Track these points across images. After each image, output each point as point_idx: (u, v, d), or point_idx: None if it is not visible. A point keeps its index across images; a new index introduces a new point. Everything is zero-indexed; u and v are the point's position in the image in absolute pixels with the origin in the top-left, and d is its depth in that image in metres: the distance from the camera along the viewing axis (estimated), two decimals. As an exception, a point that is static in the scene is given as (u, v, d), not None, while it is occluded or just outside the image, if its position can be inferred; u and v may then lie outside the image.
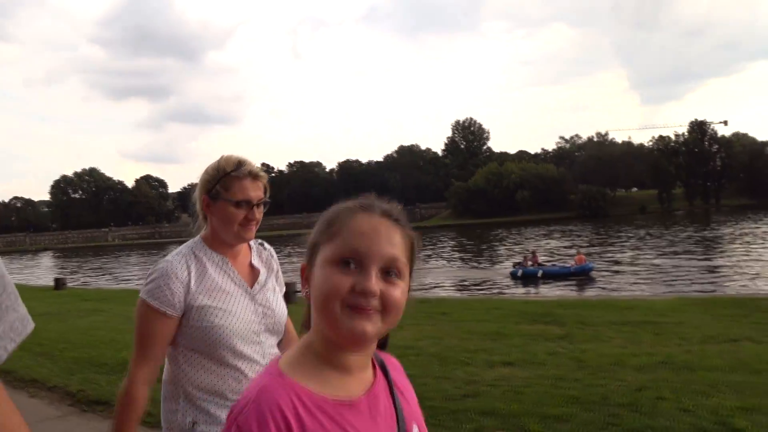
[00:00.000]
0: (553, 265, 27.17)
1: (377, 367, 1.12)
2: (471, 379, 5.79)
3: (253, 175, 2.00)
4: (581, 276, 24.48)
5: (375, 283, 0.97)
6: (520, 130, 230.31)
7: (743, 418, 4.16)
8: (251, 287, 2.05)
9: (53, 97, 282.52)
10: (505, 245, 46.90)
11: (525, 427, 4.34)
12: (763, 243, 33.89)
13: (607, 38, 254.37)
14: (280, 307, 2.12)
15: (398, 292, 1.00)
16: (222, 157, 2.05)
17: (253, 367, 1.95)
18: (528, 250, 32.14)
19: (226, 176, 1.98)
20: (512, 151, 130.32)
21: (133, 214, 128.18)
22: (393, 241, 1.02)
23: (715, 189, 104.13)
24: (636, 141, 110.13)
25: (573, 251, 31.16)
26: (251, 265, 2.12)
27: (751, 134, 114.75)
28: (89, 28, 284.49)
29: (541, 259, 28.47)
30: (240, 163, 2.00)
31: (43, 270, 54.30)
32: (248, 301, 2.02)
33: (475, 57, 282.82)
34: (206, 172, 2.05)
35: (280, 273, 2.23)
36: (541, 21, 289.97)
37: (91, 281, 37.85)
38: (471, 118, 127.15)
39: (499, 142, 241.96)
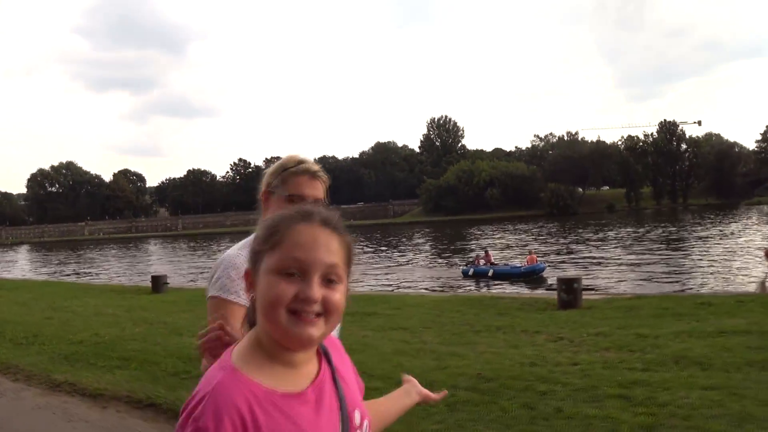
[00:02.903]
0: (505, 264, 27.22)
1: (321, 355, 1.19)
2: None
3: (311, 173, 2.02)
4: (532, 276, 24.32)
5: (317, 291, 1.05)
6: (501, 128, 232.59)
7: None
8: None
9: (33, 88, 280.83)
10: (467, 243, 47.70)
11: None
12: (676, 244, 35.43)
13: (592, 37, 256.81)
14: None
15: (338, 295, 1.08)
16: (286, 156, 2.09)
17: None
18: (481, 249, 32.46)
19: (284, 171, 2.02)
20: (489, 148, 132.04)
21: (110, 208, 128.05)
22: (331, 249, 1.09)
23: (682, 188, 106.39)
24: (620, 139, 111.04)
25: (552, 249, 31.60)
26: None
27: (725, 134, 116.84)
28: (71, 17, 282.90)
29: (499, 258, 29.04)
30: (300, 161, 2.04)
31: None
32: None
33: (457, 53, 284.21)
34: (271, 167, 2.09)
35: None
36: (525, 18, 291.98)
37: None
38: (446, 116, 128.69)
39: (477, 140, 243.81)
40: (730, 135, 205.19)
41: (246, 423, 0.97)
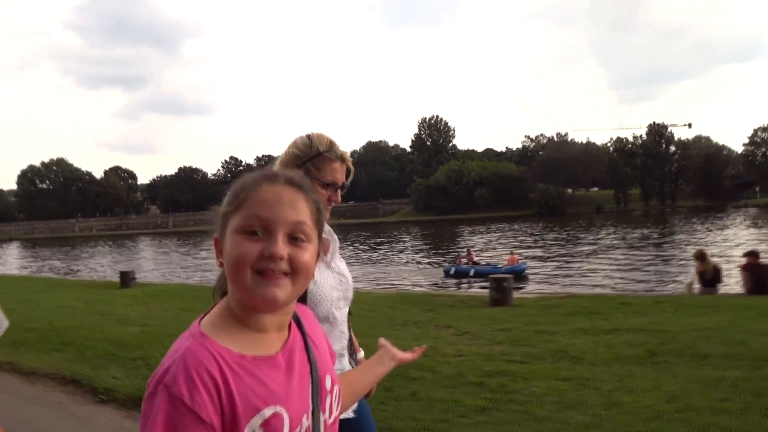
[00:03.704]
0: (487, 264, 27.09)
1: (292, 322, 1.18)
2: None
3: (342, 159, 2.03)
4: (512, 276, 24.09)
5: (282, 248, 1.03)
6: (493, 129, 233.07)
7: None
8: (325, 256, 2.03)
9: (25, 84, 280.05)
10: (454, 243, 47.98)
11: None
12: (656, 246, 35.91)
13: (585, 38, 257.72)
14: (349, 276, 2.12)
15: (306, 255, 1.06)
16: (314, 135, 2.05)
17: (335, 330, 1.99)
18: (464, 248, 32.60)
19: (318, 155, 2.00)
20: (480, 148, 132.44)
21: (101, 205, 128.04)
22: (297, 207, 1.08)
23: (671, 190, 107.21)
24: (609, 141, 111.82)
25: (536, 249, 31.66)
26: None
27: (716, 137, 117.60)
28: (63, 13, 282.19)
29: (486, 257, 29.00)
30: (332, 144, 2.03)
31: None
32: (327, 270, 2.02)
33: (450, 54, 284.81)
34: (296, 146, 2.05)
35: (338, 245, 2.21)
36: (520, 19, 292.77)
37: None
38: (437, 116, 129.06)
39: (469, 140, 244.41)
40: (720, 138, 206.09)
41: (218, 385, 0.97)
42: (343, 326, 2.04)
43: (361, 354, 2.32)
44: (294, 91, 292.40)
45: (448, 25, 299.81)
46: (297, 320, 1.20)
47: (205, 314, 1.12)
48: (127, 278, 17.43)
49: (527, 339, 6.97)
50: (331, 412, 1.19)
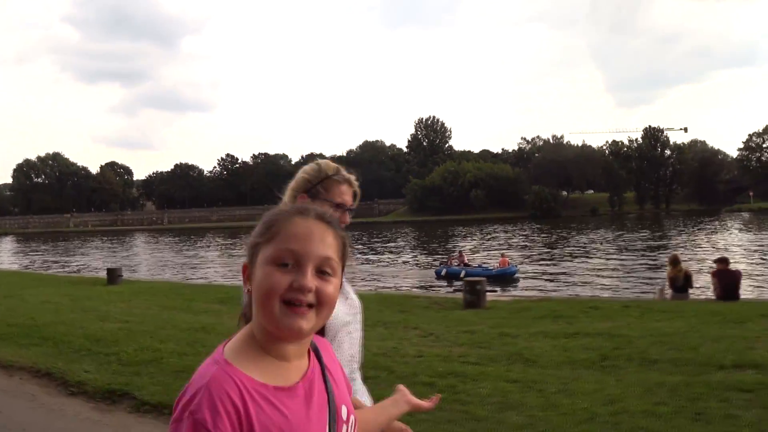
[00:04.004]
0: (479, 266, 27.09)
1: (311, 352, 1.23)
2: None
3: (348, 182, 2.16)
4: (503, 278, 24.31)
5: (310, 281, 1.08)
6: (490, 130, 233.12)
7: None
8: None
9: (22, 78, 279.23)
10: (448, 243, 48.05)
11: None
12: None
13: (584, 41, 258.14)
14: (357, 300, 2.19)
15: (331, 288, 1.12)
16: (322, 162, 2.21)
17: (342, 355, 2.00)
18: (455, 250, 32.72)
19: (327, 179, 2.13)
20: (477, 149, 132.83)
21: (96, 200, 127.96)
22: (326, 242, 1.13)
23: (665, 194, 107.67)
24: (604, 144, 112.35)
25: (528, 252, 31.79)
26: None
27: (712, 141, 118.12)
28: (62, 6, 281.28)
29: (480, 259, 29.18)
30: (338, 170, 2.17)
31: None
32: (341, 298, 1.95)
33: (449, 55, 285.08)
34: (305, 172, 2.18)
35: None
36: (519, 21, 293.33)
37: None
38: (434, 116, 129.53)
39: (466, 141, 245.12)
40: (716, 142, 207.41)
41: (240, 414, 1.01)
42: (353, 350, 2.08)
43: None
44: (291, 90, 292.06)
45: (448, 26, 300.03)
46: (316, 351, 1.24)
47: (229, 340, 1.16)
48: (114, 275, 17.64)
49: (488, 341, 7.15)
50: None
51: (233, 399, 1.01)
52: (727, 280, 10.91)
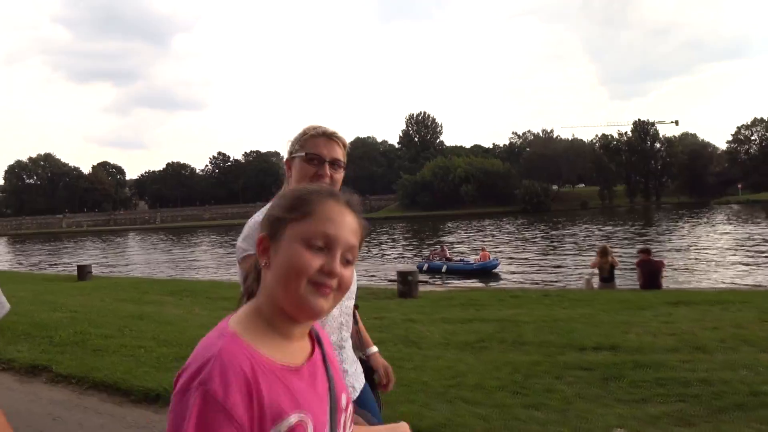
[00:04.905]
0: (460, 260, 27.34)
1: (314, 337, 1.24)
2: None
3: (327, 135, 2.06)
4: (484, 272, 24.53)
5: (339, 267, 1.10)
6: (482, 125, 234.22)
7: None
8: None
9: (14, 78, 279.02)
10: (436, 238, 48.16)
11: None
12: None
13: (577, 35, 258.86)
14: (354, 274, 1.98)
15: (350, 273, 1.13)
16: (308, 125, 2.14)
17: (333, 322, 2.00)
18: (437, 245, 32.98)
19: (304, 137, 2.07)
20: (469, 144, 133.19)
21: (89, 200, 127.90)
22: (355, 230, 1.15)
23: (655, 187, 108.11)
24: (594, 138, 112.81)
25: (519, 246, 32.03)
26: None
27: (703, 134, 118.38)
28: (53, 6, 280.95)
29: (467, 253, 29.48)
30: (318, 127, 2.09)
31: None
32: None
33: (441, 50, 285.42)
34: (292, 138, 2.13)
35: None
36: (511, 15, 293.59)
37: None
38: (425, 112, 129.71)
39: (458, 136, 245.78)
40: (708, 135, 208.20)
41: (251, 388, 0.99)
42: (343, 318, 2.04)
43: (374, 349, 2.47)
44: (283, 87, 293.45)
45: (439, 20, 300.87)
46: (317, 338, 1.24)
47: (232, 314, 1.15)
48: (84, 272, 18.35)
49: (388, 326, 7.63)
50: (345, 429, 1.22)
51: (245, 372, 0.99)
52: (649, 269, 11.42)
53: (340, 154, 2.08)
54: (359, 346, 2.32)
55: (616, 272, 12.27)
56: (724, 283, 18.80)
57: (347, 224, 1.13)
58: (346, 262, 1.13)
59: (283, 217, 1.13)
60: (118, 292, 13.80)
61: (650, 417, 4.12)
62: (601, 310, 8.42)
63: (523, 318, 7.92)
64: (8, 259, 48.74)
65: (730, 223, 48.66)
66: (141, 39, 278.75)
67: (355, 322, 2.28)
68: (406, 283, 11.07)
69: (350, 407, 1.27)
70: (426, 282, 13.05)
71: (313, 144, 2.04)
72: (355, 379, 2.10)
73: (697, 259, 26.19)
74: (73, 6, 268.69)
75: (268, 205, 1.44)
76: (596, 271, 12.21)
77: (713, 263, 24.56)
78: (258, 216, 1.97)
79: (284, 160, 2.15)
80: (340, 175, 2.08)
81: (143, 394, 5.40)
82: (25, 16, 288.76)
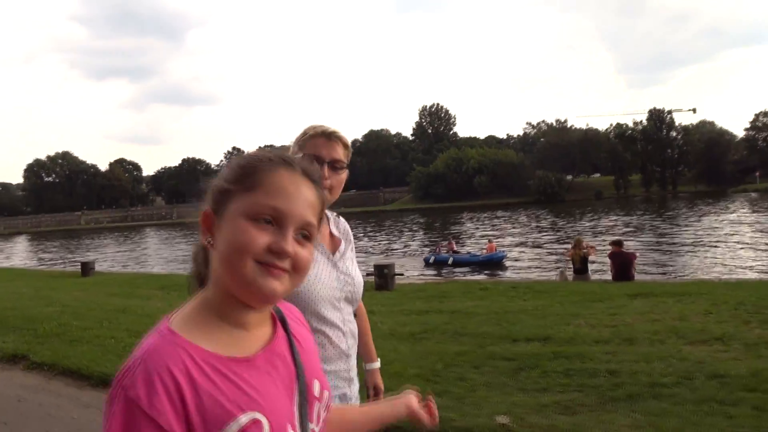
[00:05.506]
0: (467, 253, 27.37)
1: (277, 320, 1.10)
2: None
3: (327, 135, 1.96)
4: (490, 264, 24.45)
5: (291, 245, 0.96)
6: (498, 115, 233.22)
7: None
8: (333, 255, 1.99)
9: (32, 77, 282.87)
10: (448, 230, 48.30)
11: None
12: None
13: (593, 23, 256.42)
14: (359, 277, 2.07)
15: (308, 252, 1.00)
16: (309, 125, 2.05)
17: (335, 332, 1.89)
18: (445, 237, 32.87)
19: (303, 137, 1.98)
20: (483, 135, 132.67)
21: (106, 197, 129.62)
22: (311, 203, 1.01)
23: (672, 176, 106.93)
24: (608, 127, 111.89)
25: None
26: (331, 234, 2.07)
27: (722, 121, 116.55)
28: (69, 5, 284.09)
29: (476, 246, 29.56)
30: (318, 127, 1.99)
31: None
32: (331, 269, 1.96)
33: (456, 40, 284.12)
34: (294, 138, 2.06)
35: (353, 245, 2.17)
36: (527, 4, 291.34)
37: None
38: (438, 103, 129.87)
39: (473, 127, 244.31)
40: (726, 122, 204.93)
41: (181, 388, 0.88)
42: (346, 327, 1.93)
43: (374, 365, 2.39)
44: (297, 80, 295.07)
45: (454, 10, 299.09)
46: (282, 319, 1.12)
47: (177, 309, 1.03)
48: (86, 268, 18.97)
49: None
50: (319, 421, 1.11)
51: (174, 373, 0.89)
52: (620, 261, 11.61)
53: (341, 155, 1.98)
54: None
55: (597, 264, 12.50)
56: (727, 273, 18.44)
57: (302, 196, 1.00)
58: (303, 238, 1.00)
59: (227, 189, 1.00)
60: (113, 287, 14.33)
61: (540, 405, 4.39)
62: (557, 302, 8.66)
63: (477, 310, 8.21)
64: (24, 255, 49.85)
65: (747, 212, 47.83)
66: (156, 35, 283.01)
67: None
68: (382, 276, 11.39)
69: (326, 394, 1.13)
70: (401, 274, 13.28)
71: (313, 145, 1.95)
72: (357, 391, 2.00)
73: (706, 248, 25.95)
74: (88, 4, 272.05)
75: None
76: (570, 263, 12.42)
77: (721, 253, 24.32)
78: None
79: None
80: (342, 176, 1.98)
81: (101, 379, 5.93)
82: (42, 15, 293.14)
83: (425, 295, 10.12)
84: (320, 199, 1.05)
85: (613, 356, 5.60)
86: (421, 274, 21.42)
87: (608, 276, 11.99)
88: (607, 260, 11.98)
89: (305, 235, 1.00)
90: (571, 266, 12.37)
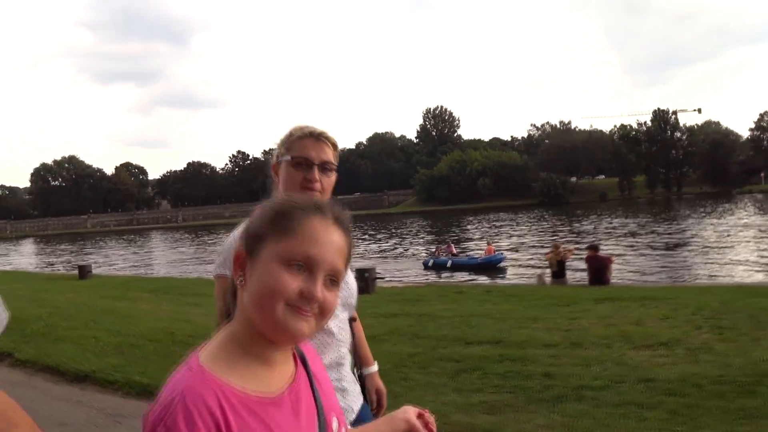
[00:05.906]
0: (466, 255, 27.55)
1: (297, 359, 1.15)
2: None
3: (315, 136, 1.91)
4: (489, 266, 24.42)
5: (320, 291, 1.01)
6: (503, 117, 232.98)
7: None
8: None
9: (39, 82, 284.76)
10: (450, 233, 48.39)
11: None
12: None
13: (599, 23, 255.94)
14: (353, 282, 2.06)
15: (333, 297, 1.04)
16: (295, 125, 1.99)
17: (330, 339, 1.86)
18: (444, 240, 33.06)
19: (290, 138, 1.92)
20: (488, 137, 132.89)
21: (112, 201, 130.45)
22: (341, 251, 1.06)
23: (676, 177, 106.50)
24: (612, 128, 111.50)
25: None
26: None
27: (728, 121, 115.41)
28: (76, 10, 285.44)
29: (476, 249, 29.81)
30: (305, 128, 1.94)
31: None
32: None
33: (461, 42, 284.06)
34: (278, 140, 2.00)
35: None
36: (532, 4, 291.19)
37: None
38: (442, 106, 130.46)
39: (477, 129, 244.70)
40: (732, 123, 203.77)
41: (219, 425, 0.92)
42: (341, 334, 1.91)
43: (372, 369, 2.28)
44: (301, 83, 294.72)
45: (458, 12, 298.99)
46: (302, 358, 1.17)
47: (205, 343, 1.06)
48: (84, 271, 19.44)
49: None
50: None
51: (211, 408, 0.93)
52: (596, 265, 11.86)
53: (330, 156, 1.92)
54: (356, 363, 2.14)
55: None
56: (714, 277, 18.33)
57: (333, 244, 1.05)
58: (331, 283, 1.05)
59: (262, 233, 1.05)
60: (107, 289, 14.69)
61: (468, 405, 4.64)
62: (523, 306, 8.92)
63: (445, 314, 8.48)
64: (28, 258, 50.38)
65: (749, 214, 47.62)
66: (161, 40, 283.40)
67: (353, 336, 2.09)
68: (363, 279, 11.67)
69: (344, 430, 1.19)
70: (382, 277, 13.59)
71: (300, 146, 1.89)
72: (353, 400, 1.94)
73: (700, 253, 25.84)
74: (95, 9, 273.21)
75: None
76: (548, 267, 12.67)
77: (719, 257, 24.08)
78: (237, 231, 1.81)
79: (271, 165, 2.00)
80: (331, 179, 1.93)
81: (74, 375, 6.35)
82: (49, 21, 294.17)
83: (401, 298, 10.39)
84: (349, 245, 1.10)
85: (555, 359, 5.83)
86: (403, 278, 21.49)
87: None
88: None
89: (333, 280, 1.05)
90: (549, 270, 12.61)
